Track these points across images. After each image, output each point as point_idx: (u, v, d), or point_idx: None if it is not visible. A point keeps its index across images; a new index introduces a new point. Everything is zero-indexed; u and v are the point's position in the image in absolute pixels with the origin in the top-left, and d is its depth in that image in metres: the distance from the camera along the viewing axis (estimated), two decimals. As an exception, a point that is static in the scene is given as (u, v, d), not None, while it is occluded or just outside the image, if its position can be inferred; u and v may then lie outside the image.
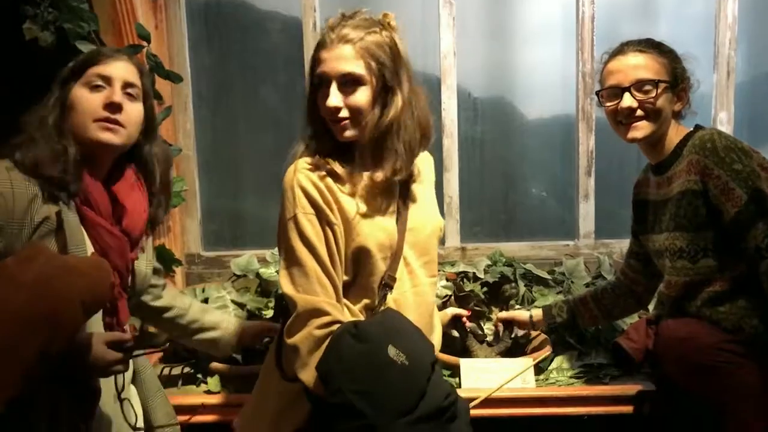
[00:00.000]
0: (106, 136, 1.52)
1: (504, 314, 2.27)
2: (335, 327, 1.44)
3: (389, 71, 1.55)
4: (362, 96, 1.53)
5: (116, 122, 1.53)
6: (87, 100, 1.52)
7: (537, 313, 2.20)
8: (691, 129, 1.84)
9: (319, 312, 1.44)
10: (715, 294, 1.74)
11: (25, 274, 1.24)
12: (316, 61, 1.55)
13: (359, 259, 1.54)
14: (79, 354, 1.35)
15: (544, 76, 2.80)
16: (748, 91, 2.78)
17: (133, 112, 1.57)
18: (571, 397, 2.00)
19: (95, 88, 1.53)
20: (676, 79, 1.81)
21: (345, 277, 1.54)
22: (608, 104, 1.84)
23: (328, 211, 1.49)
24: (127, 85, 1.56)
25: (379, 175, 1.56)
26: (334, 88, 1.51)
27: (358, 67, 1.52)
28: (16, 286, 1.22)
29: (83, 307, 1.27)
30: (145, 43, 2.41)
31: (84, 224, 1.50)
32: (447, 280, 2.49)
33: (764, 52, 2.79)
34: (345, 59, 1.51)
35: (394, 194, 1.63)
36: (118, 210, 1.57)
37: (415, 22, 2.75)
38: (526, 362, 2.07)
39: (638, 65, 1.79)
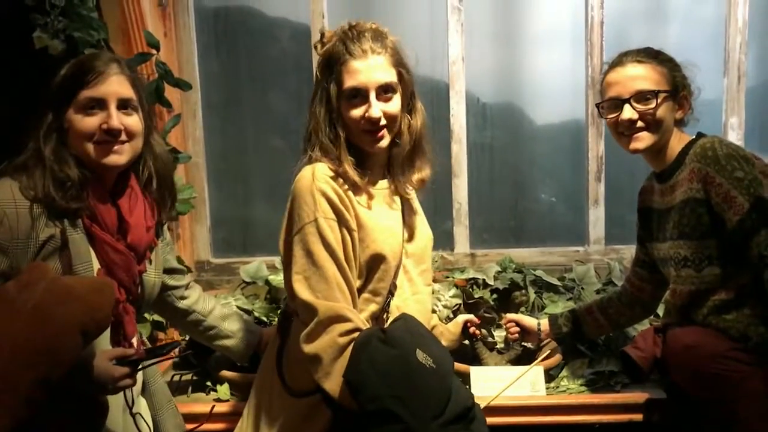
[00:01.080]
0: (111, 159, 1.49)
1: (512, 316, 2.25)
2: (356, 334, 1.43)
3: (411, 77, 1.61)
4: (397, 104, 1.57)
5: (119, 143, 1.49)
6: (83, 124, 1.47)
7: (544, 322, 2.19)
8: (693, 137, 1.83)
9: (341, 318, 1.43)
10: (720, 302, 1.72)
11: (24, 302, 1.22)
12: (340, 72, 1.53)
13: (373, 265, 1.54)
14: (85, 373, 1.34)
15: (554, 81, 2.80)
16: (759, 96, 2.76)
17: (133, 126, 1.52)
18: (581, 405, 1.98)
19: (90, 112, 1.48)
20: (677, 87, 1.80)
21: (356, 284, 1.54)
22: (609, 116, 1.83)
23: (348, 217, 1.49)
24: (122, 102, 1.50)
25: (419, 176, 1.66)
26: (373, 98, 1.53)
27: (392, 76, 1.55)
28: (15, 314, 1.21)
29: (83, 334, 1.26)
30: (154, 51, 2.42)
31: (90, 241, 1.49)
32: (456, 287, 2.47)
33: (776, 55, 2.77)
34: (381, 69, 1.53)
35: (398, 203, 1.64)
36: (124, 225, 1.55)
37: (423, 28, 2.74)
38: (536, 369, 2.05)
39: (637, 76, 1.78)
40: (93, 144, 1.48)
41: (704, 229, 1.71)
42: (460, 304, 2.38)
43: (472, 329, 2.09)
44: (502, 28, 2.81)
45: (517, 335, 2.20)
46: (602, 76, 1.88)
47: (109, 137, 1.48)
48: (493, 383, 2.02)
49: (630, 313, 2.10)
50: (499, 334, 2.30)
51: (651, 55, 1.81)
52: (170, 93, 2.52)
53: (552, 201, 2.90)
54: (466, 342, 2.17)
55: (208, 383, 2.15)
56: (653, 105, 1.76)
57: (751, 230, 1.63)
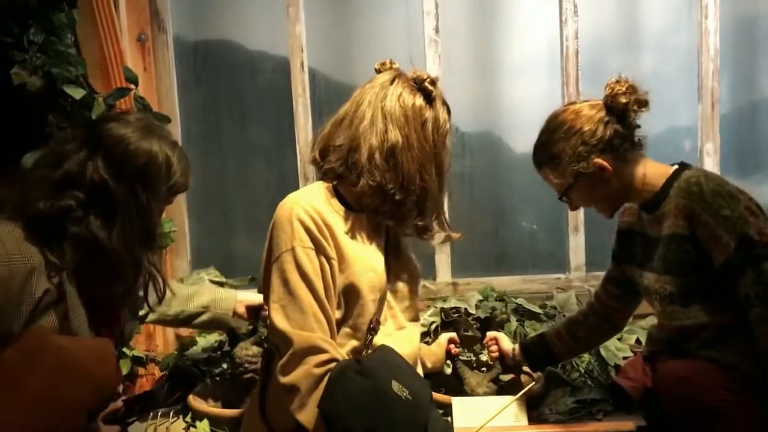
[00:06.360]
0: None
1: (493, 334, 2.22)
2: (333, 365, 1.41)
3: None
4: None
5: None
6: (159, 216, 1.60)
7: (518, 348, 2.16)
8: (676, 166, 1.78)
9: (316, 349, 1.41)
10: (710, 337, 1.70)
11: (28, 380, 1.17)
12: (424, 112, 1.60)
13: (349, 297, 1.52)
14: None
15: (531, 110, 2.80)
16: (733, 122, 2.80)
17: None
18: (564, 434, 1.98)
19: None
20: (579, 160, 1.74)
21: (336, 315, 1.52)
22: None
23: (326, 245, 1.47)
24: None
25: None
26: None
27: None
28: (19, 393, 1.16)
29: (88, 414, 1.23)
30: (132, 87, 2.42)
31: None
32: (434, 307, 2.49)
33: (747, 82, 2.82)
34: None
35: (382, 238, 1.63)
36: None
37: (401, 61, 2.75)
38: (519, 399, 2.04)
39: (548, 182, 1.85)
40: None
41: (690, 265, 1.68)
42: (437, 324, 2.37)
43: (450, 347, 2.06)
44: (479, 58, 2.85)
45: (497, 354, 2.18)
46: None
47: None
48: (476, 414, 2.00)
49: (599, 333, 2.07)
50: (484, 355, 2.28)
51: (542, 161, 1.83)
52: (149, 127, 2.52)
53: (533, 229, 2.91)
54: (448, 362, 2.15)
55: (188, 420, 2.12)
56: (572, 199, 1.83)
57: (737, 270, 1.61)
